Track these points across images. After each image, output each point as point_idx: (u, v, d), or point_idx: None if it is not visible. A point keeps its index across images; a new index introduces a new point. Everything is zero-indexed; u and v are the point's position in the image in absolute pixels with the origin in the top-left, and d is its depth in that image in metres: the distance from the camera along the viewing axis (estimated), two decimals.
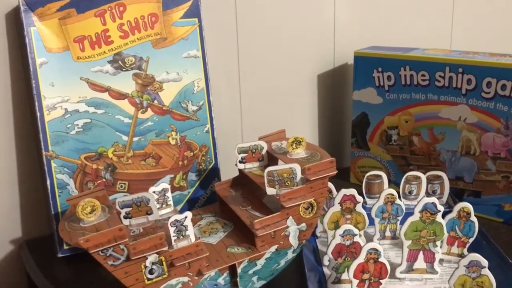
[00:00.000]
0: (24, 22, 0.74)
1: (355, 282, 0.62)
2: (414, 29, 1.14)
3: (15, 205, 0.84)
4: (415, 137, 0.94)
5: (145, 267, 0.60)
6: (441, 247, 0.72)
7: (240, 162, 0.77)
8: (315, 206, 0.69)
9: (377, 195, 0.80)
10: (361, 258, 0.62)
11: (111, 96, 0.80)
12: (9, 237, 0.85)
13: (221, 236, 0.71)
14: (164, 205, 0.74)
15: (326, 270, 0.71)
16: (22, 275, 0.84)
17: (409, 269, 0.71)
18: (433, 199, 0.69)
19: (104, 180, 0.80)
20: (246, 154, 0.77)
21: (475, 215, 0.73)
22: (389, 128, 0.97)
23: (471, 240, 0.74)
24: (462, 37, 1.21)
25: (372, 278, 0.63)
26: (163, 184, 0.74)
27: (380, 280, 0.63)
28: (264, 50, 0.99)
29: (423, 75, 0.90)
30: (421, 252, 0.70)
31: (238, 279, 0.67)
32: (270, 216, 0.67)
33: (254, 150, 0.77)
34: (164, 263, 0.61)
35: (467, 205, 0.73)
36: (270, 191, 0.69)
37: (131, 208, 0.68)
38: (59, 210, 0.77)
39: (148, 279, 0.61)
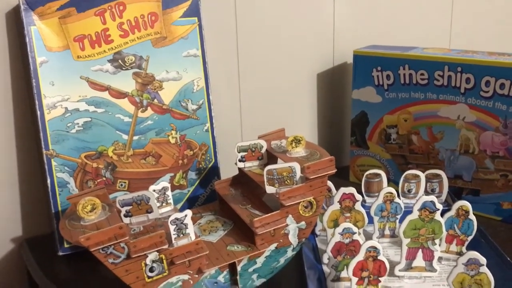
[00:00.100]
0: (24, 21, 0.74)
1: (354, 280, 0.63)
2: (413, 28, 1.14)
3: (16, 203, 0.84)
4: (414, 136, 0.94)
5: (146, 265, 0.60)
6: (440, 245, 0.72)
7: (239, 160, 0.77)
8: (314, 205, 0.69)
9: (376, 194, 0.80)
10: (360, 256, 0.62)
11: (111, 95, 0.80)
12: (10, 236, 0.85)
13: (221, 234, 0.72)
14: (164, 204, 0.74)
15: (326, 268, 0.71)
16: (22, 273, 0.84)
17: (408, 267, 0.71)
18: (432, 198, 0.69)
19: (104, 178, 0.80)
20: (246, 153, 0.77)
21: (473, 214, 0.73)
22: (388, 127, 0.97)
23: (469, 238, 0.74)
24: (461, 36, 1.21)
25: (371, 276, 0.63)
26: (163, 182, 0.74)
27: (379, 278, 0.63)
28: (264, 50, 1.00)
29: (422, 74, 0.90)
30: (420, 250, 0.71)
31: (238, 277, 0.67)
32: (269, 214, 0.67)
33: (253, 149, 0.77)
34: (164, 261, 0.61)
35: (465, 204, 0.73)
36: (269, 189, 0.69)
37: (131, 207, 0.68)
38: (60, 208, 0.77)
39: (149, 277, 0.61)
